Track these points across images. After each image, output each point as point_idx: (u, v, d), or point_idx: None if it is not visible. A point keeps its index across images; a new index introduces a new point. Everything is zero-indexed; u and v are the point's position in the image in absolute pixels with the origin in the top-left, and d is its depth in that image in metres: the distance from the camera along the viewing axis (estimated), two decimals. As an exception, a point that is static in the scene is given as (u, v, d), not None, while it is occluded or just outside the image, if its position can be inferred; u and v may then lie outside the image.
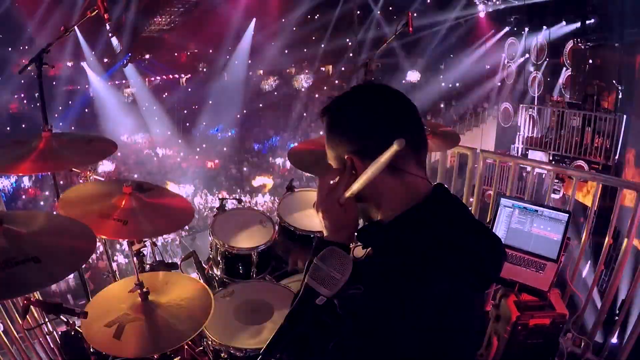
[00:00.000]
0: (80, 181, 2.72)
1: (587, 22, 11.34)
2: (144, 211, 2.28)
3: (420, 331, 1.07)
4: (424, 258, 1.10)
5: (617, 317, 3.02)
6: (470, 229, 1.18)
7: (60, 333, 2.96)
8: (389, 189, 1.20)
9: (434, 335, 1.08)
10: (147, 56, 22.01)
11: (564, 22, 12.21)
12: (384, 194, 1.21)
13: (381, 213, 1.24)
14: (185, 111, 23.72)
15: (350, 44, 22.12)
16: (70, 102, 20.68)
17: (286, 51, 23.66)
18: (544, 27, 12.78)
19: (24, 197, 17.03)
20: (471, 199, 3.81)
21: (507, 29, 14.43)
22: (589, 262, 6.86)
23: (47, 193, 16.73)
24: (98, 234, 2.03)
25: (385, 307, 1.08)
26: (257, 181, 19.61)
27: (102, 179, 2.90)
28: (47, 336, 2.89)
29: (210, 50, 22.88)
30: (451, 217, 1.18)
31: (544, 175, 9.22)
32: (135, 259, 2.56)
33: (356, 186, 1.18)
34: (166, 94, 23.40)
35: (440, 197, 1.21)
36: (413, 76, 20.27)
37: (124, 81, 21.78)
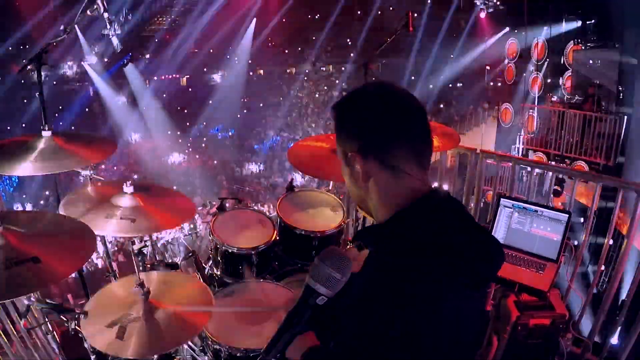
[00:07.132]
0: (81, 180, 2.71)
1: (588, 22, 11.32)
2: (149, 208, 2.31)
3: (412, 331, 1.06)
4: (410, 258, 1.10)
5: (617, 318, 3.01)
6: (463, 231, 1.18)
7: (60, 333, 2.96)
8: (383, 183, 1.20)
9: (427, 332, 1.08)
10: (147, 56, 21.95)
11: (564, 23, 12.20)
12: (378, 184, 1.21)
13: (378, 209, 1.25)
14: (186, 111, 23.69)
15: (350, 43, 22.11)
16: (70, 102, 20.65)
17: (286, 51, 23.66)
18: (545, 27, 12.77)
19: (24, 196, 17.00)
20: (471, 199, 3.81)
21: (507, 29, 14.39)
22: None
23: (47, 192, 16.69)
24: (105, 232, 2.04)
25: (374, 309, 1.08)
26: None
27: (102, 179, 2.90)
28: (47, 336, 2.88)
29: (211, 50, 22.85)
30: (443, 218, 1.17)
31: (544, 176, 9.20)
32: (136, 258, 2.55)
33: None
34: (166, 93, 23.35)
35: (434, 200, 1.20)
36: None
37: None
